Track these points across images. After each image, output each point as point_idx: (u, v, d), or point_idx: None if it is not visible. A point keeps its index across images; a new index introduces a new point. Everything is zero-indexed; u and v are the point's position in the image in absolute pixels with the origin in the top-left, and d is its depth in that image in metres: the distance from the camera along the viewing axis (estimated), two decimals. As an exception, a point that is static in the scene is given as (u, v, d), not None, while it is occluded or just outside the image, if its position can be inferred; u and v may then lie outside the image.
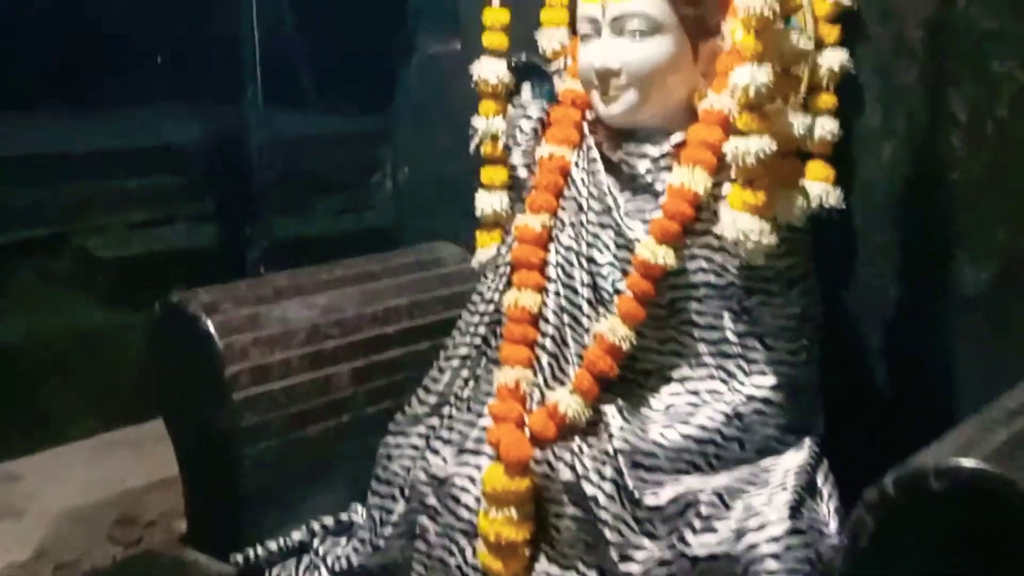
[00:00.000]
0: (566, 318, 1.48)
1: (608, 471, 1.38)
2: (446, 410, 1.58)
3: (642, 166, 1.45)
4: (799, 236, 1.40)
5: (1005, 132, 1.38)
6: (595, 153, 1.51)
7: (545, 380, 1.48)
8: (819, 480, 1.38)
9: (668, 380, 1.44)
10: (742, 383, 1.41)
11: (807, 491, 1.34)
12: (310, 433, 1.67)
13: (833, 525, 1.33)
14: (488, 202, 1.63)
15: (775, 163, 1.34)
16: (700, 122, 1.41)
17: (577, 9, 1.48)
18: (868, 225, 1.51)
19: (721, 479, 1.37)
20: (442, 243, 1.98)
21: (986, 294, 1.42)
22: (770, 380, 1.40)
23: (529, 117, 1.58)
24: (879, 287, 1.52)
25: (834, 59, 1.47)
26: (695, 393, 1.43)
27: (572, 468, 1.39)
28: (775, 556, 1.26)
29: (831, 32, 1.47)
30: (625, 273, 1.44)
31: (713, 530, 1.30)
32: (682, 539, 1.31)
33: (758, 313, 1.41)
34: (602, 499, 1.37)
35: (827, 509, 1.35)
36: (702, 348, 1.43)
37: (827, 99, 1.49)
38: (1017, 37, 1.35)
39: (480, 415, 1.53)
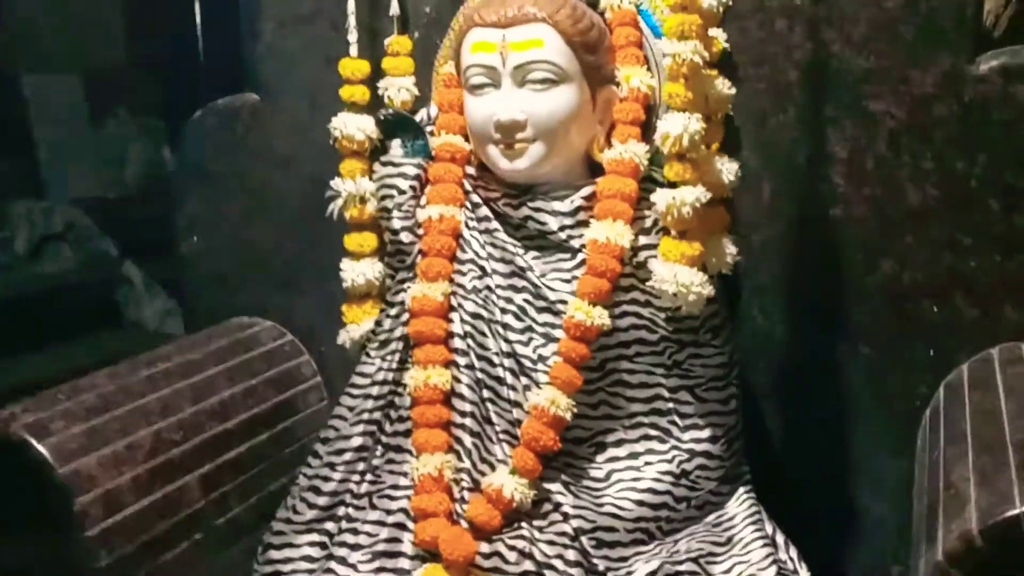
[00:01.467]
0: (486, 393, 1.36)
1: (571, 554, 1.28)
2: (342, 511, 1.40)
3: (553, 223, 1.36)
4: (716, 282, 1.38)
5: (885, 168, 1.43)
6: (486, 211, 1.40)
7: (473, 464, 1.34)
8: (769, 528, 1.36)
9: (603, 446, 1.37)
10: (679, 439, 1.37)
11: (771, 543, 1.32)
12: (168, 560, 1.41)
13: (804, 572, 1.32)
14: (358, 271, 1.48)
15: (704, 211, 1.31)
16: (610, 173, 1.35)
17: (462, 57, 1.36)
18: (751, 264, 1.51)
19: (684, 544, 1.32)
20: (247, 319, 1.76)
21: (873, 328, 1.47)
22: (706, 432, 1.37)
23: (405, 176, 1.44)
24: (765, 326, 1.53)
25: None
26: (634, 456, 1.36)
27: (530, 556, 1.28)
28: None
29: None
30: (548, 338, 1.34)
31: None
32: None
33: (689, 365, 1.37)
34: None
35: (791, 556, 1.34)
36: (635, 408, 1.36)
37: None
38: (890, 75, 1.41)
39: (388, 512, 1.37)
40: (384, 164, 1.45)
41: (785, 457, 1.55)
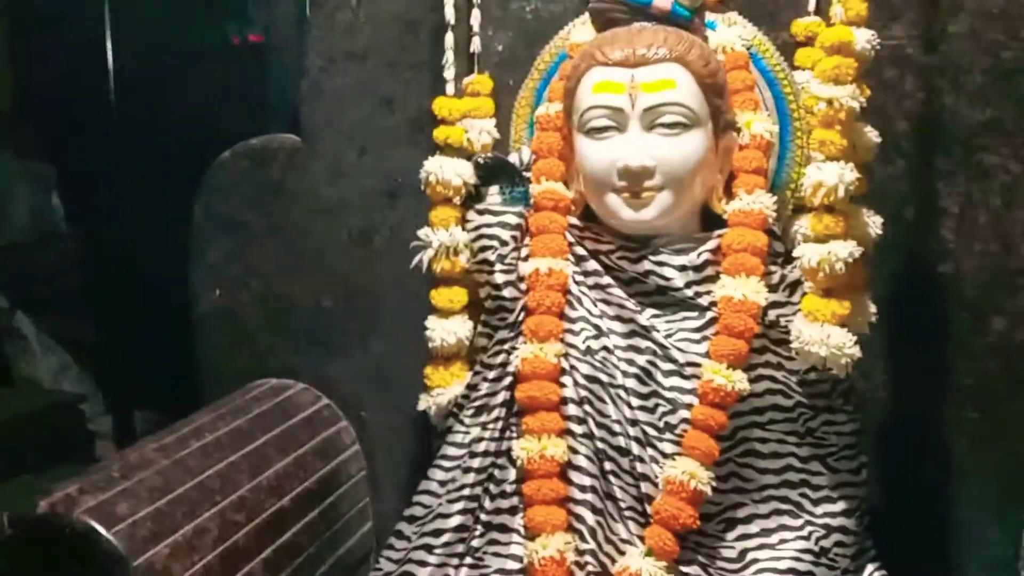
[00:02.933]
0: (607, 465, 1.23)
1: None
2: (438, 602, 1.25)
3: (680, 278, 1.25)
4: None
5: (999, 223, 1.38)
6: (595, 265, 1.29)
7: (599, 545, 1.21)
8: None
9: (733, 522, 1.25)
10: (812, 513, 1.26)
11: None
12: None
13: None
14: (448, 330, 1.34)
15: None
16: (737, 225, 1.25)
17: (579, 98, 1.25)
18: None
19: None
20: (276, 381, 1.59)
21: (982, 390, 1.41)
22: (840, 505, 1.27)
23: (506, 225, 1.31)
24: (867, 388, 1.44)
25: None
26: (766, 533, 1.25)
27: (676, 648, 1.15)
28: None
29: (819, 124, 1.38)
30: (676, 404, 1.23)
31: None
32: None
33: (823, 433, 1.27)
34: None
35: None
36: (767, 479, 1.26)
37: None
38: (1005, 127, 1.36)
39: (495, 601, 1.22)
40: (481, 213, 1.33)
41: (889, 523, 1.46)
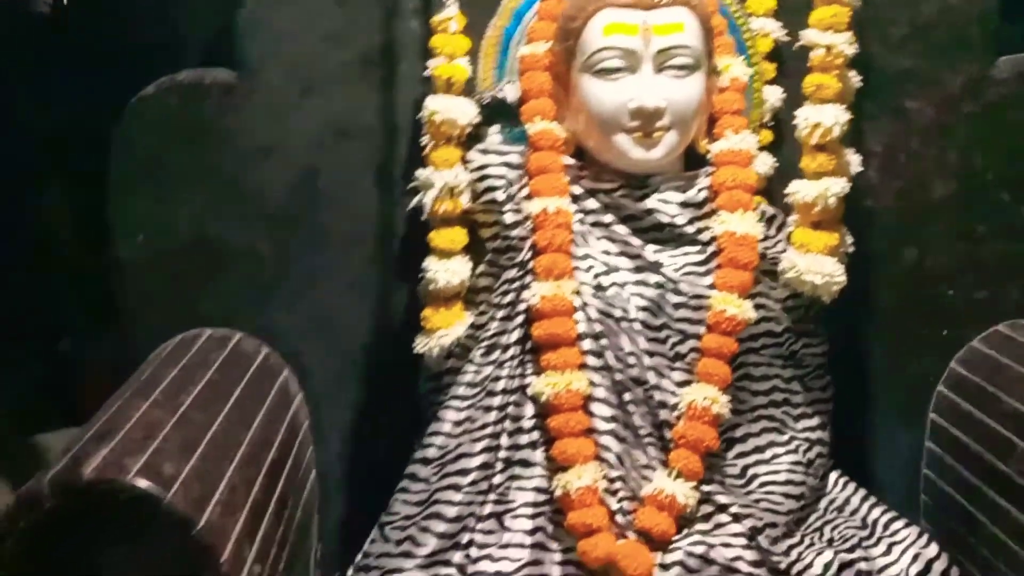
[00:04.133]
0: (627, 396, 1.28)
1: (750, 555, 1.24)
2: (466, 537, 1.25)
3: (683, 215, 1.31)
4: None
5: (915, 162, 1.53)
6: (595, 203, 1.32)
7: (626, 471, 1.26)
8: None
9: (732, 442, 1.35)
10: (795, 428, 1.38)
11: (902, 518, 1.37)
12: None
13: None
14: (451, 270, 1.32)
15: (832, 203, 1.33)
16: (727, 164, 1.33)
17: (586, 39, 1.27)
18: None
19: (829, 533, 1.33)
20: (213, 330, 1.50)
21: (896, 311, 1.57)
22: (816, 420, 1.39)
23: (511, 165, 1.31)
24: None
25: (773, 96, 1.48)
26: (759, 450, 1.35)
27: (712, 561, 1.22)
28: None
29: (769, 69, 1.47)
30: (685, 335, 1.29)
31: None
32: None
33: (802, 355, 1.38)
34: None
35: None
36: (758, 400, 1.36)
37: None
38: (926, 76, 1.51)
39: (526, 532, 1.25)
40: (485, 152, 1.32)
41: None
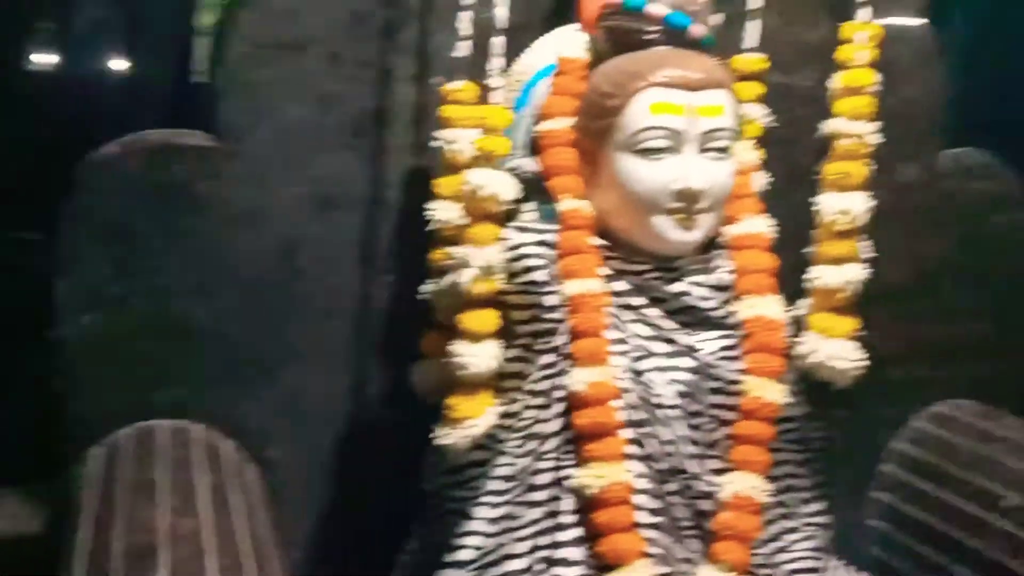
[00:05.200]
0: (668, 486, 1.23)
1: None
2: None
3: (715, 298, 1.29)
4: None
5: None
6: (624, 285, 1.28)
7: (673, 567, 1.21)
8: None
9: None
10: (802, 513, 1.36)
11: None
12: None
13: None
14: (485, 355, 1.23)
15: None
16: (747, 248, 1.33)
17: (629, 117, 1.24)
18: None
19: None
20: (170, 422, 1.34)
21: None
22: (821, 504, 1.38)
23: (546, 244, 1.25)
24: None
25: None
26: (776, 538, 1.33)
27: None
28: None
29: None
30: (719, 421, 1.27)
31: None
32: None
33: (811, 439, 1.38)
34: None
35: None
36: (773, 486, 1.34)
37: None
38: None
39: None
40: (521, 230, 1.25)
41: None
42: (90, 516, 1.10)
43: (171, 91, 1.43)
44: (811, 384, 1.37)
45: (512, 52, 1.35)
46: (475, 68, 1.37)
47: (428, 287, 1.34)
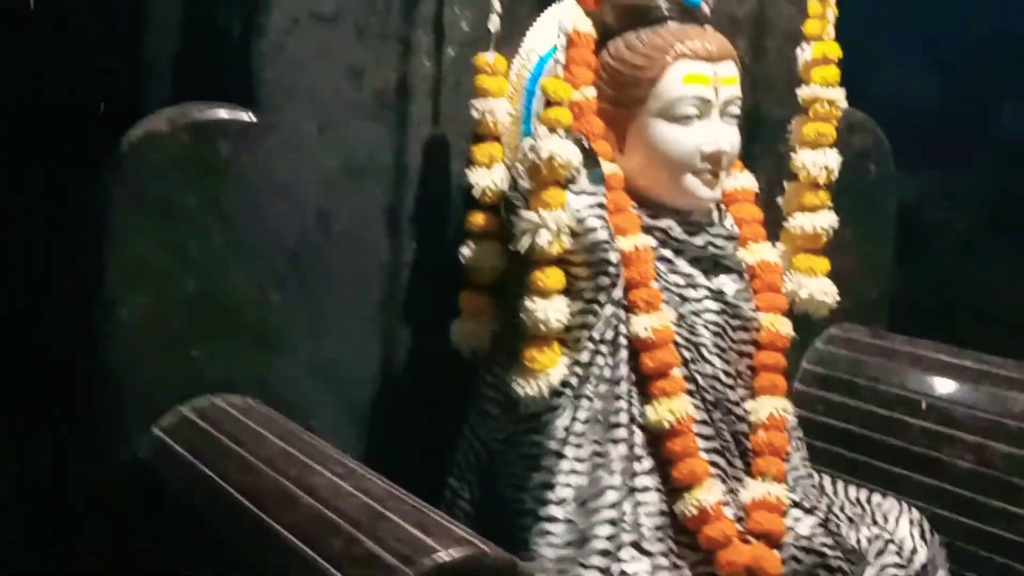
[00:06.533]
0: (717, 414, 1.39)
1: (830, 540, 1.41)
2: (616, 569, 1.28)
3: (730, 247, 1.46)
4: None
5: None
6: (653, 240, 1.42)
7: (732, 484, 1.37)
8: None
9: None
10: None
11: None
12: None
13: None
14: (559, 310, 1.32)
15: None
16: (742, 201, 1.50)
17: (665, 88, 1.37)
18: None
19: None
20: (222, 396, 1.33)
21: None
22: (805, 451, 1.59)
23: (603, 206, 1.35)
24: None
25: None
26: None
27: (812, 551, 1.38)
28: None
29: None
30: (741, 354, 1.44)
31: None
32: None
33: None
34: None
35: None
36: None
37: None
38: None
39: (665, 554, 1.31)
40: (578, 194, 1.33)
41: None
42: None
43: (204, 61, 1.38)
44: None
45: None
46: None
47: (465, 250, 1.41)
